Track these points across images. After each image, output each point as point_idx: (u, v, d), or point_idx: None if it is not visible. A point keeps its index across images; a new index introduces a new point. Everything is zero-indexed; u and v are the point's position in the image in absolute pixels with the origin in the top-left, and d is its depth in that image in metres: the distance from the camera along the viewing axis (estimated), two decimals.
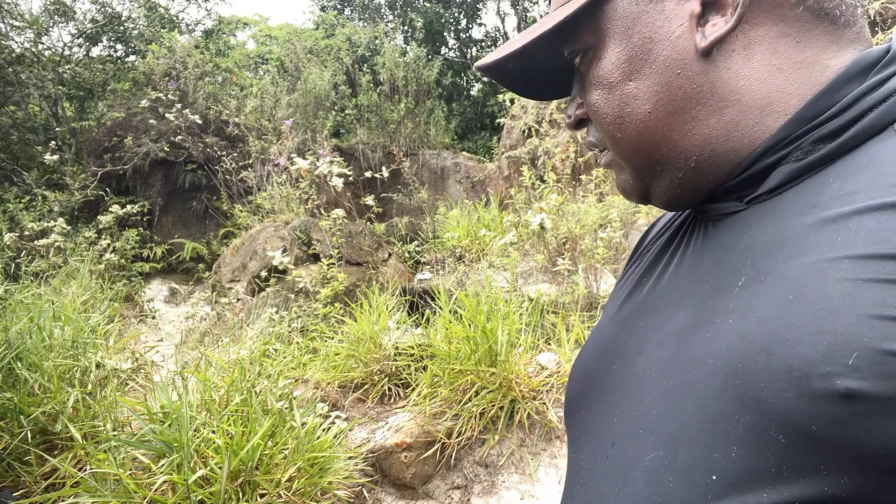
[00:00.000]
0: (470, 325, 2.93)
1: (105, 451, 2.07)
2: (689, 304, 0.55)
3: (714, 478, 0.44)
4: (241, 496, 1.94)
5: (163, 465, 1.92)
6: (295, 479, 2.04)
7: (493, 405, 2.71)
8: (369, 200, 5.44)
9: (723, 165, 0.55)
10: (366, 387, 3.35)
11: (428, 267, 4.96)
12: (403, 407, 3.13)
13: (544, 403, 2.77)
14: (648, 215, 3.64)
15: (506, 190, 5.84)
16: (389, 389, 3.30)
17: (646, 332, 0.60)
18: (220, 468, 1.93)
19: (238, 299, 4.76)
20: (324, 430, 2.32)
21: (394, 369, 3.35)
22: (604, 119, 0.60)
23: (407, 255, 5.30)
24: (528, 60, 0.65)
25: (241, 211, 5.85)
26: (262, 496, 1.99)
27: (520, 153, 5.65)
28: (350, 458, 2.22)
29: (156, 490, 1.77)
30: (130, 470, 2.01)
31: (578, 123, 0.67)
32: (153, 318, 5.42)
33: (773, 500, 0.41)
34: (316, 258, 5.05)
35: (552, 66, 0.67)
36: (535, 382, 2.82)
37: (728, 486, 0.43)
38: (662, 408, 0.51)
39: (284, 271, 4.81)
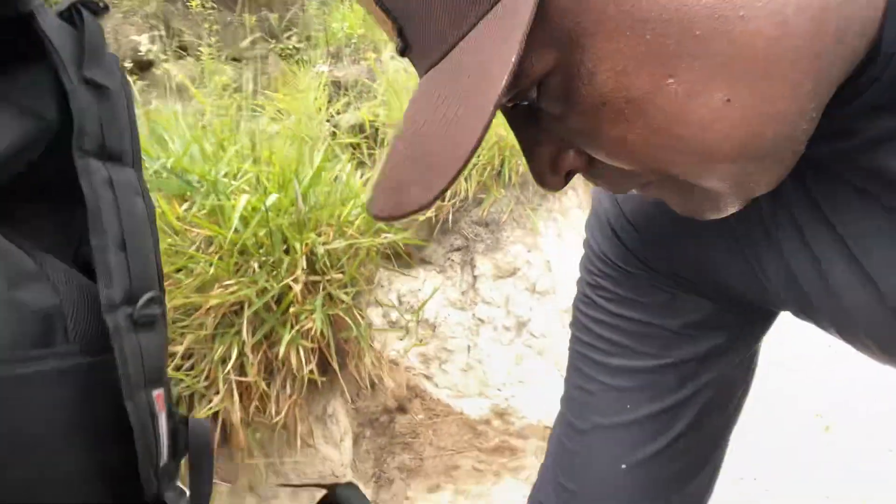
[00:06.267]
0: None
1: None
2: None
3: None
4: None
5: None
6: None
7: (489, 165, 2.60)
8: None
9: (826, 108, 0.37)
10: None
11: (321, 61, 4.45)
12: None
13: None
14: None
15: None
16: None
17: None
18: None
19: None
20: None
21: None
22: (658, 165, 0.36)
23: (287, 52, 4.68)
24: None
25: None
26: None
27: None
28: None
29: None
30: None
31: (568, 176, 0.41)
32: None
33: None
34: (182, 52, 4.25)
35: None
36: None
37: None
38: None
39: (151, 65, 3.99)
